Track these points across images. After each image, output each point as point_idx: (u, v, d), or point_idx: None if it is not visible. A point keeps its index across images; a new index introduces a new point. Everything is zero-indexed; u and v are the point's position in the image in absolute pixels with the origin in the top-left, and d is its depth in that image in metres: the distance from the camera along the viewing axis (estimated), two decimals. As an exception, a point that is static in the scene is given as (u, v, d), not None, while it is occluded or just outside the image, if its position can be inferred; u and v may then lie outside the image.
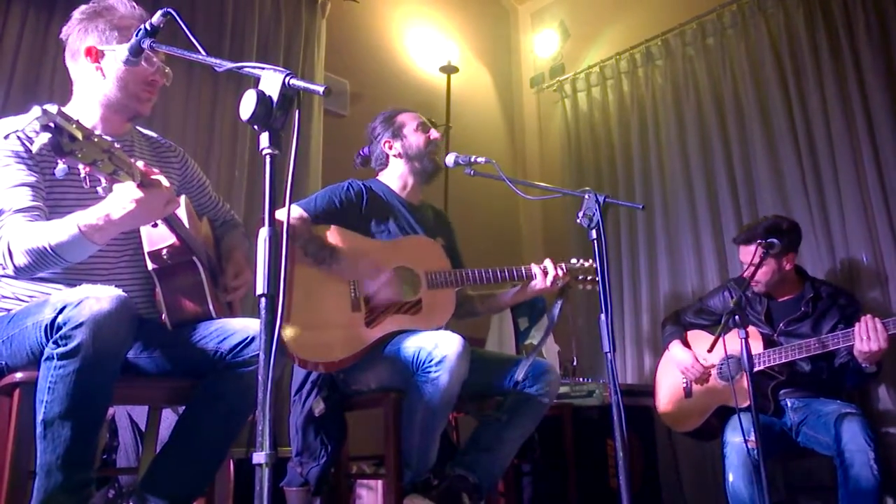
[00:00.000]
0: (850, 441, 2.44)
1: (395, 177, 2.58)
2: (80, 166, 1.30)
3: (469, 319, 2.68)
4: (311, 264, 2.25)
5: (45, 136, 1.22)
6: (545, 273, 2.43)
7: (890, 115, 3.37)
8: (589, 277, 2.55)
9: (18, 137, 1.61)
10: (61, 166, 1.27)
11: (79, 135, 1.26)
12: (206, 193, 2.12)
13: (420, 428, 2.13)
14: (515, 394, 2.35)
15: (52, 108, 1.23)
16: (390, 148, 2.57)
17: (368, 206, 2.45)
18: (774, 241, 2.76)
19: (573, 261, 2.55)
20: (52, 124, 1.22)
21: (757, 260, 2.70)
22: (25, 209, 1.58)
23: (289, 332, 2.12)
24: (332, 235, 2.34)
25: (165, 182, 1.53)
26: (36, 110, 1.21)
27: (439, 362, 2.05)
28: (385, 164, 2.60)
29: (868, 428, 2.47)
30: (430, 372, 2.06)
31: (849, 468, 2.40)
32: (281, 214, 2.18)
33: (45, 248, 1.49)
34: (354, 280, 2.29)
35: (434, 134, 2.59)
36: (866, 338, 2.44)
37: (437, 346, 2.08)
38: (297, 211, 2.32)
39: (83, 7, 1.80)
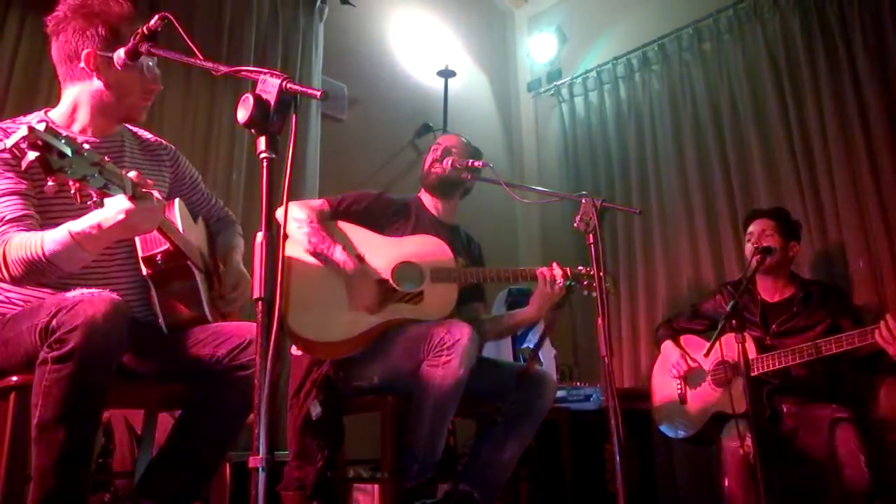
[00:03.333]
0: (842, 445, 2.46)
1: (425, 197, 2.70)
2: (70, 183, 1.28)
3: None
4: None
5: (33, 155, 1.20)
6: (548, 276, 2.43)
7: (886, 119, 3.37)
8: (594, 283, 2.54)
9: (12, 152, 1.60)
10: (50, 184, 1.25)
11: (67, 151, 1.24)
12: (198, 190, 2.10)
13: (430, 417, 2.12)
14: (512, 405, 2.36)
15: (41, 126, 1.21)
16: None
17: (394, 216, 2.54)
18: (771, 247, 2.82)
19: (580, 268, 2.55)
20: (39, 142, 1.20)
21: (754, 264, 2.73)
22: (17, 219, 1.56)
23: (292, 316, 2.16)
24: (343, 227, 2.42)
25: (157, 194, 1.52)
26: (23, 129, 1.19)
27: (452, 346, 2.07)
28: (421, 189, 2.73)
29: (860, 432, 2.49)
30: (441, 355, 2.07)
31: (841, 472, 2.41)
32: (295, 209, 2.23)
33: (40, 258, 1.48)
34: (362, 256, 2.34)
35: (437, 153, 2.64)
36: (892, 342, 2.41)
37: (448, 331, 2.10)
38: (319, 202, 2.44)
39: (73, 2, 1.73)
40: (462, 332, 2.09)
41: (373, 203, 2.51)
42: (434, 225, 2.60)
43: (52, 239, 1.48)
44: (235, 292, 1.96)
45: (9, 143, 1.21)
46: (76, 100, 1.77)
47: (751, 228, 3.00)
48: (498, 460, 2.33)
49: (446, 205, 2.68)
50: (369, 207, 2.49)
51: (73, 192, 1.30)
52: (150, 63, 1.78)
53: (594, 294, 2.50)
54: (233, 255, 2.05)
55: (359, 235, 2.43)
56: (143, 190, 1.47)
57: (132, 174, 1.45)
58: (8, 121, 1.72)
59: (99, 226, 1.46)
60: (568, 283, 2.44)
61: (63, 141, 1.24)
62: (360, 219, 2.46)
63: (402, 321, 2.29)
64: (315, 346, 2.23)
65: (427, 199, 2.69)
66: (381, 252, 2.40)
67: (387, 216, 2.53)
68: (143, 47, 1.52)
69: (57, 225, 1.52)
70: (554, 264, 2.48)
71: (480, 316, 2.67)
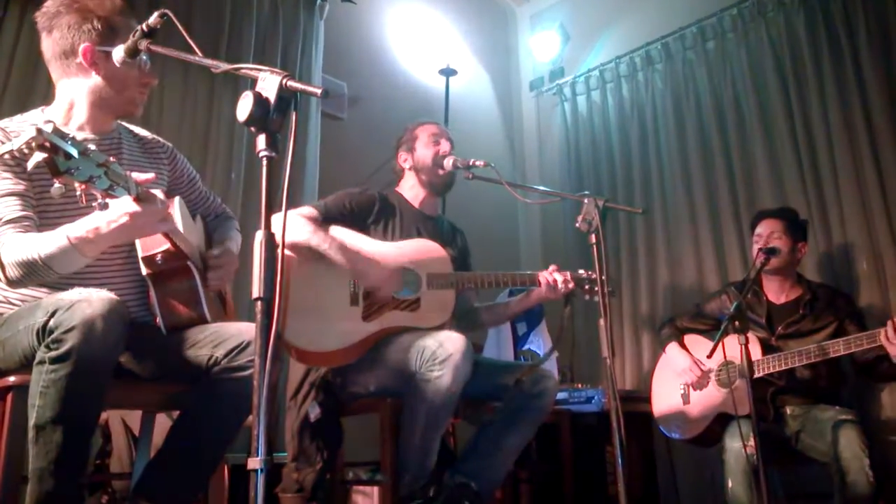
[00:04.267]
0: (845, 448, 2.44)
1: (408, 188, 2.65)
2: (76, 184, 1.28)
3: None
4: (311, 259, 2.26)
5: (41, 156, 1.20)
6: (550, 281, 2.43)
7: (890, 120, 3.36)
8: (596, 288, 2.54)
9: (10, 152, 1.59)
10: (57, 186, 1.25)
11: (74, 152, 1.24)
12: (196, 188, 2.09)
13: (421, 430, 2.11)
14: (513, 399, 2.34)
15: (48, 127, 1.21)
16: (404, 161, 2.65)
17: (379, 212, 2.50)
18: (776, 247, 2.80)
19: (580, 272, 2.56)
20: (47, 144, 1.20)
21: (758, 265, 2.71)
22: (16, 220, 1.56)
23: (287, 323, 2.13)
24: (337, 232, 2.37)
25: (161, 196, 1.52)
26: (31, 130, 1.19)
27: (444, 360, 2.05)
28: (401, 176, 2.68)
29: (864, 434, 2.48)
30: (433, 370, 2.05)
31: (845, 475, 2.40)
32: (287, 216, 2.21)
33: (36, 261, 1.48)
34: (353, 273, 2.28)
35: (444, 147, 2.59)
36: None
37: (441, 345, 2.08)
38: (308, 210, 2.37)
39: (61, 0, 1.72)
40: (455, 347, 2.07)
41: (355, 202, 2.46)
42: (419, 218, 2.58)
43: (49, 242, 1.48)
44: (220, 259, 1.90)
45: (16, 143, 1.20)
46: (73, 96, 1.77)
47: (758, 230, 2.97)
48: (496, 455, 2.31)
49: (432, 198, 2.66)
50: (353, 207, 2.45)
51: (78, 193, 1.30)
52: (145, 58, 1.76)
53: (596, 299, 2.51)
54: (226, 243, 2.01)
55: (354, 241, 2.38)
56: (148, 192, 1.46)
57: (135, 175, 1.44)
58: (5, 119, 1.71)
59: (97, 230, 1.46)
60: (569, 288, 2.44)
61: (69, 142, 1.24)
62: (348, 220, 2.41)
63: (399, 329, 2.27)
64: (308, 355, 2.21)
65: (411, 192, 2.63)
66: (377, 258, 2.37)
67: (372, 214, 2.49)
68: (143, 45, 1.51)
69: (57, 225, 1.51)
70: (553, 268, 2.47)
71: (473, 304, 2.66)
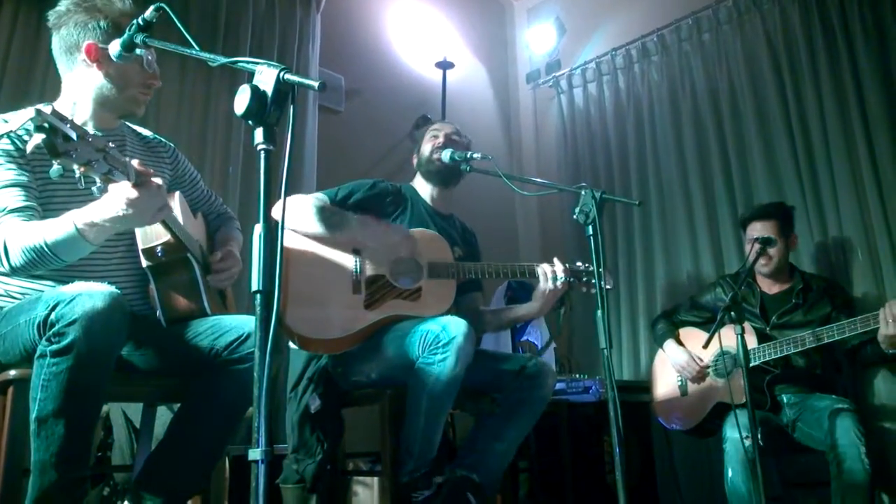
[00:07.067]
0: (842, 436, 2.46)
1: (420, 185, 2.69)
2: (75, 167, 1.29)
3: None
4: (314, 246, 2.29)
5: (40, 137, 1.21)
6: (549, 272, 2.44)
7: (885, 109, 3.36)
8: (594, 280, 2.55)
9: (10, 137, 1.60)
10: (56, 167, 1.26)
11: (73, 135, 1.25)
12: (198, 188, 2.11)
13: (426, 413, 2.11)
14: (512, 392, 2.35)
15: (47, 108, 1.22)
16: (415, 161, 2.72)
17: (390, 204, 2.54)
18: (772, 237, 2.82)
19: (578, 264, 2.57)
20: (46, 125, 1.21)
21: (753, 256, 2.72)
22: (20, 209, 1.57)
23: (289, 311, 2.15)
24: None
25: (160, 182, 1.52)
26: (29, 110, 1.20)
27: (447, 343, 2.06)
28: (414, 175, 2.73)
29: (860, 423, 2.50)
30: (437, 353, 2.06)
31: (841, 462, 2.42)
32: (292, 202, 2.21)
33: (42, 247, 1.48)
34: (360, 249, 2.33)
35: (439, 140, 2.62)
36: (892, 321, 2.41)
37: (444, 328, 2.09)
38: (320, 196, 2.42)
39: None
40: (458, 330, 2.08)
41: (368, 192, 2.50)
42: (429, 214, 2.60)
43: (55, 228, 1.48)
44: (225, 262, 1.93)
45: (15, 124, 1.21)
46: (76, 93, 1.78)
47: (750, 234, 2.98)
48: (496, 448, 2.32)
49: (442, 193, 2.66)
50: (365, 197, 2.48)
51: (77, 175, 1.31)
52: (150, 57, 1.78)
53: (593, 291, 2.52)
54: (228, 244, 2.04)
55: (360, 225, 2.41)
56: (147, 178, 1.47)
57: (135, 162, 1.45)
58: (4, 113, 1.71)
59: (102, 215, 1.47)
60: (569, 279, 2.45)
61: (69, 125, 1.25)
62: (358, 209, 2.44)
63: (401, 317, 2.29)
64: (310, 342, 2.22)
65: (423, 188, 2.67)
66: (380, 241, 2.39)
67: (383, 206, 2.51)
68: (139, 38, 1.51)
69: (60, 215, 1.52)
70: (555, 260, 2.48)
71: (479, 306, 2.67)
